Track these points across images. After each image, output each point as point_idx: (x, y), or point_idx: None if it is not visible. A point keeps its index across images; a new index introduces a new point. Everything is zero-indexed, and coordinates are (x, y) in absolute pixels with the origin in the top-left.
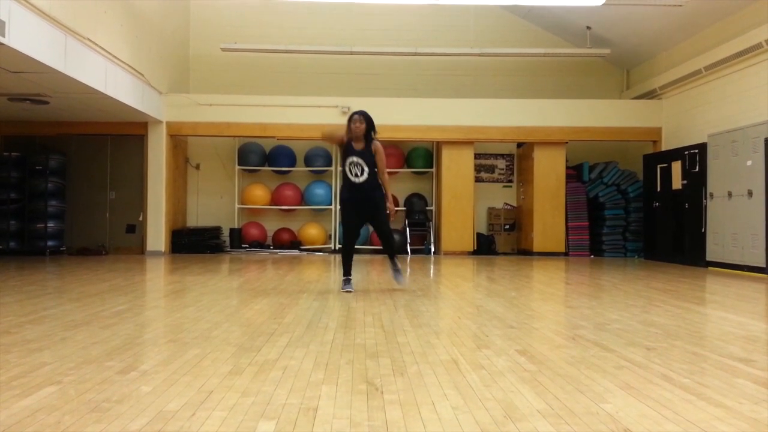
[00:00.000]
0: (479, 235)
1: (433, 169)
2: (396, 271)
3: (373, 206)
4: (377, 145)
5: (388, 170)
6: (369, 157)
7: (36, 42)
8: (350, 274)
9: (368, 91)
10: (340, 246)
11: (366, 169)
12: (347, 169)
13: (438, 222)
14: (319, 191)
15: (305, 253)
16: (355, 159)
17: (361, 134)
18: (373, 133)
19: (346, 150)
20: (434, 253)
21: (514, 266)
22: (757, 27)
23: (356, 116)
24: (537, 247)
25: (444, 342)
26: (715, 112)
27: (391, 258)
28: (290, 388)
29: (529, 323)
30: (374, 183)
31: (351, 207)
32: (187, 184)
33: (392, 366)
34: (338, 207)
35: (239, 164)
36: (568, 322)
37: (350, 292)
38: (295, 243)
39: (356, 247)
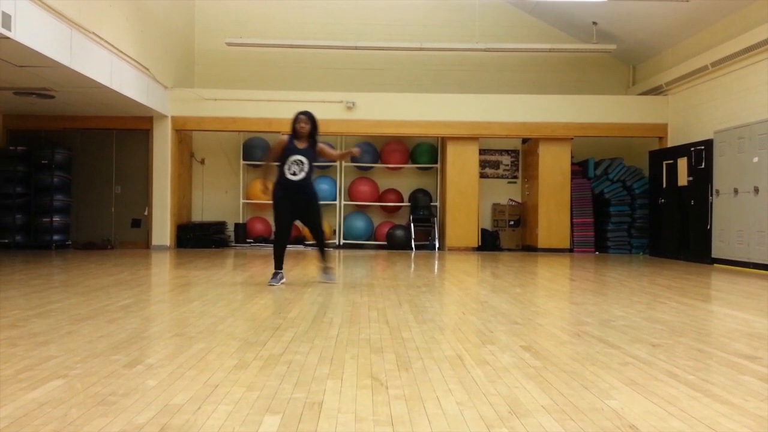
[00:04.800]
0: (484, 231)
1: (438, 165)
2: (326, 268)
3: (306, 203)
4: (321, 147)
5: (392, 165)
6: (311, 155)
7: (41, 36)
8: (281, 268)
9: (373, 86)
10: (274, 242)
11: (306, 167)
12: (286, 167)
13: (442, 218)
14: (324, 186)
15: (310, 248)
16: (297, 157)
17: (305, 134)
18: (317, 135)
19: (288, 149)
20: (439, 248)
21: (519, 262)
22: (764, 23)
23: (302, 116)
24: (541, 243)
25: (448, 337)
26: (722, 109)
27: (322, 254)
28: (295, 383)
29: (533, 319)
30: (309, 181)
31: (285, 205)
32: (192, 179)
33: (397, 361)
34: (342, 203)
35: (244, 159)
36: (573, 318)
37: (274, 285)
38: (299, 238)
39: (359, 242)
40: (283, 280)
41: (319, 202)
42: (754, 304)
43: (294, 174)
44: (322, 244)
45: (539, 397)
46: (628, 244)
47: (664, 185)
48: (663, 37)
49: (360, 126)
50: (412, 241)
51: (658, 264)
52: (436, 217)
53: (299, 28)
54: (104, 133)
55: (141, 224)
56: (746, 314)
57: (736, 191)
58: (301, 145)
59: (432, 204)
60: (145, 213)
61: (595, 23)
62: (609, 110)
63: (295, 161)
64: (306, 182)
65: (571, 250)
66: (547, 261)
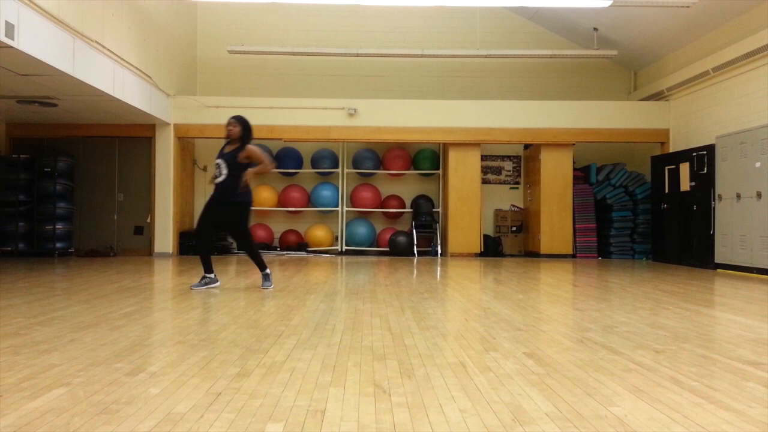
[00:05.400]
0: (486, 237)
1: (440, 171)
2: (263, 275)
3: (227, 211)
4: (248, 149)
5: (394, 172)
6: (232, 160)
7: (44, 45)
8: (211, 272)
9: (374, 93)
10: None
11: (224, 170)
12: (215, 169)
13: (445, 224)
14: (326, 193)
15: (312, 254)
16: (217, 161)
17: (235, 137)
18: (249, 139)
19: (220, 151)
20: (441, 254)
21: (521, 268)
22: (765, 28)
23: (231, 120)
24: (544, 249)
25: (451, 344)
26: (724, 114)
27: (255, 262)
28: (298, 390)
29: (536, 326)
30: (231, 187)
31: (207, 207)
32: (195, 186)
33: (400, 368)
34: (344, 209)
35: None
36: (576, 324)
37: (198, 289)
38: (301, 244)
39: (362, 249)
40: (213, 285)
41: (241, 208)
42: (757, 310)
43: (215, 177)
44: (250, 253)
45: (543, 405)
46: (631, 249)
47: (667, 190)
48: (664, 43)
49: (362, 132)
50: (415, 247)
51: (661, 269)
52: (438, 223)
53: (301, 35)
54: (107, 141)
55: (143, 231)
56: (750, 320)
57: (738, 196)
58: (227, 149)
59: (434, 210)
60: (148, 220)
61: (596, 29)
62: (611, 116)
63: (215, 164)
64: (224, 186)
65: (573, 256)
66: (550, 267)
